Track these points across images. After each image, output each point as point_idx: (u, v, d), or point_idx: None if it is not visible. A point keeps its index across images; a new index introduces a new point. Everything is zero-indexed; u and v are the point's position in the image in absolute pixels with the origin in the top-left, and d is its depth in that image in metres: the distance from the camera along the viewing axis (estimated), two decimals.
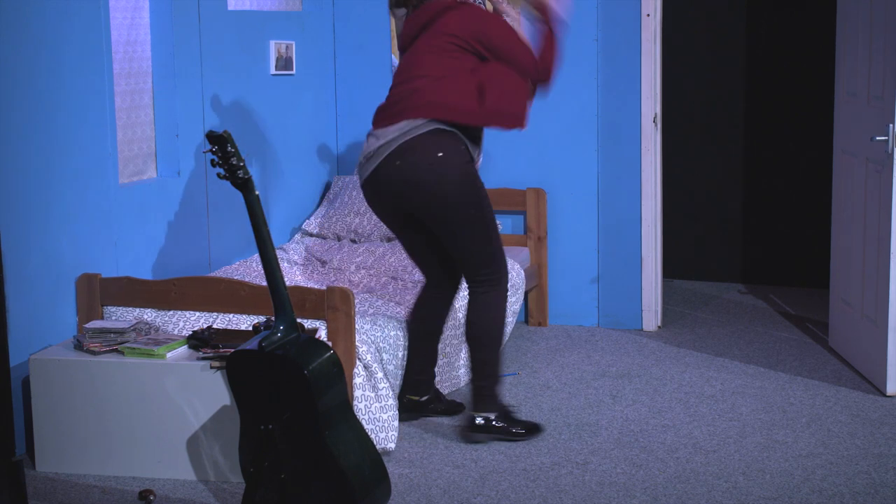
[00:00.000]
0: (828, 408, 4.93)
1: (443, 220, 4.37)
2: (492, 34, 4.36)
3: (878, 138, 4.95)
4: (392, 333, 4.61)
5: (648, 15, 6.01)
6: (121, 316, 4.60)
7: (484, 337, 4.50)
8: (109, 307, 4.62)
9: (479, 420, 4.52)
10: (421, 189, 4.29)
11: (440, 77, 4.30)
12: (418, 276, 5.43)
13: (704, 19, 7.39)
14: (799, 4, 7.14)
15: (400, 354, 4.65)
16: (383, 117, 4.38)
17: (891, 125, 4.87)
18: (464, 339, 4.72)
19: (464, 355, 5.21)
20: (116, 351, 4.27)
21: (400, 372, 4.66)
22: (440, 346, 4.97)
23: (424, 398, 4.80)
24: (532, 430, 4.60)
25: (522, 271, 5.79)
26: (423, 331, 4.72)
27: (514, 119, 4.39)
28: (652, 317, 6.26)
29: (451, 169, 4.30)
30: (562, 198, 6.32)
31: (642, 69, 6.05)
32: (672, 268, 7.20)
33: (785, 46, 7.22)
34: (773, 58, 7.27)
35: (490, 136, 6.38)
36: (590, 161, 6.23)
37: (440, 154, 4.27)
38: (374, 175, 4.36)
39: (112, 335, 4.30)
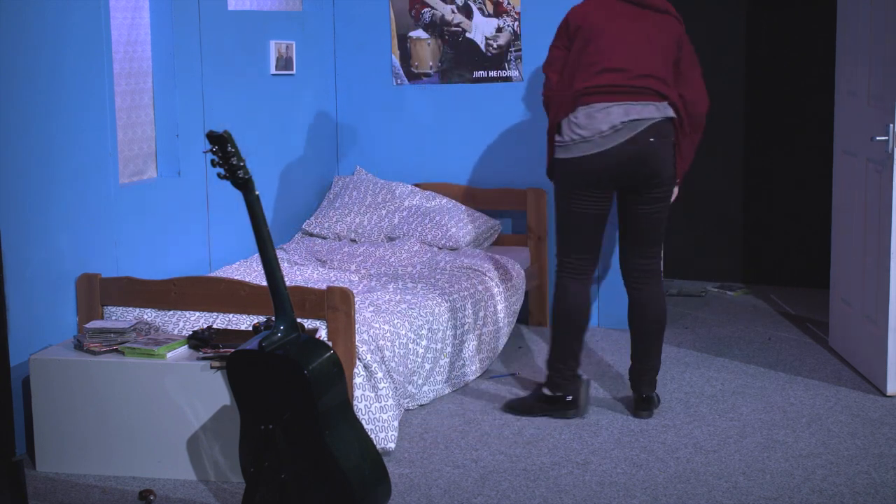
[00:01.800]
0: (828, 408, 4.93)
1: (659, 198, 4.76)
2: (686, 43, 4.79)
3: (878, 138, 4.95)
4: (392, 333, 4.61)
5: None
6: (121, 316, 4.60)
7: (664, 322, 4.88)
8: (109, 307, 4.62)
9: (652, 397, 4.88)
10: (661, 166, 4.70)
11: (670, 79, 4.70)
12: (417, 276, 5.42)
13: (704, 19, 7.39)
14: (799, 4, 7.13)
15: (400, 353, 4.65)
16: (620, 95, 4.62)
17: (891, 125, 4.87)
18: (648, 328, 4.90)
19: (471, 347, 5.21)
20: (116, 351, 4.27)
21: (402, 369, 4.65)
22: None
23: (571, 398, 4.83)
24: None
25: (523, 271, 5.79)
26: (577, 324, 4.84)
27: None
28: None
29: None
30: None
31: None
32: (672, 268, 7.20)
33: (785, 46, 7.22)
34: (773, 57, 7.27)
35: (490, 135, 6.41)
36: None
37: (671, 139, 4.74)
38: (623, 146, 4.62)
39: (112, 335, 4.30)
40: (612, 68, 4.63)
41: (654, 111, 4.64)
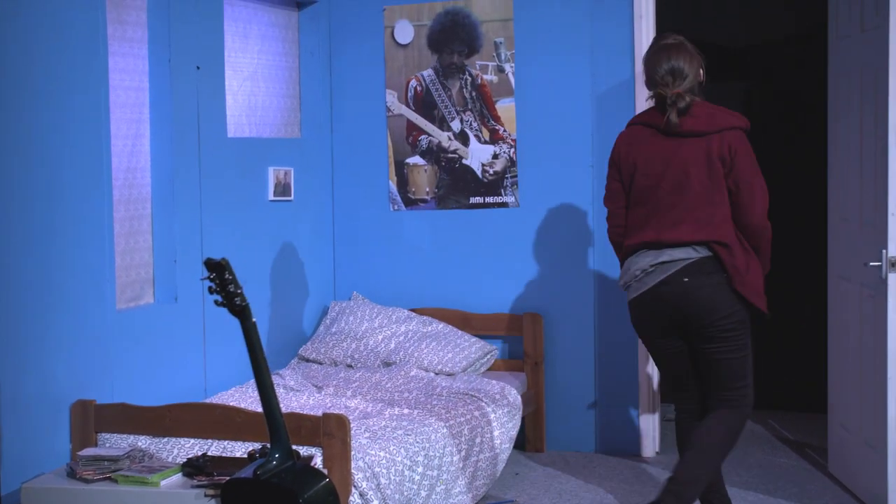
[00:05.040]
0: None
1: (713, 336, 4.61)
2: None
3: (871, 264, 4.98)
4: (388, 459, 4.57)
5: None
6: (115, 443, 4.57)
7: (713, 448, 4.55)
8: (104, 434, 4.59)
9: None
10: (704, 305, 4.58)
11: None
12: (414, 401, 5.40)
13: None
14: (791, 132, 7.24)
15: (396, 480, 4.60)
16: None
17: (884, 250, 4.90)
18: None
19: (468, 473, 5.16)
20: (110, 479, 4.23)
21: (398, 496, 4.60)
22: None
23: None
24: None
25: (519, 396, 5.77)
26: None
27: None
28: (650, 442, 6.21)
29: None
30: (558, 322, 6.33)
31: None
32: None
33: (779, 172, 7.29)
34: (768, 182, 7.33)
35: (487, 260, 6.44)
36: (587, 286, 6.25)
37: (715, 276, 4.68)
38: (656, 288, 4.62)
39: (106, 462, 4.26)
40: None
41: (691, 252, 4.62)
